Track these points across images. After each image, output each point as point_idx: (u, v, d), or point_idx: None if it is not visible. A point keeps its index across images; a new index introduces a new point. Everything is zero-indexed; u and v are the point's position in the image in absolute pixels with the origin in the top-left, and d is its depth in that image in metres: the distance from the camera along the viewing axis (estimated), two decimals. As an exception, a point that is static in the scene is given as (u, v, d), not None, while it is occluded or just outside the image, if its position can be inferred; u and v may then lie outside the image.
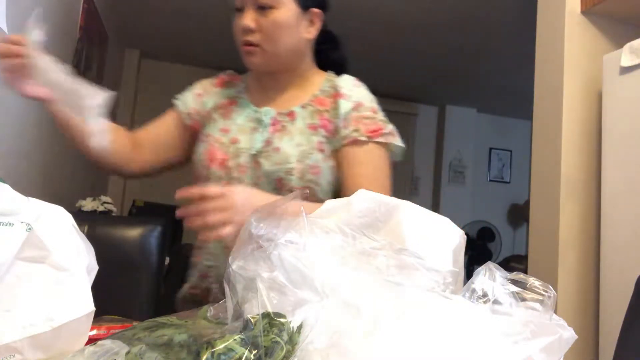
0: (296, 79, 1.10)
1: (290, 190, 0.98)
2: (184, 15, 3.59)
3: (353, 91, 1.06)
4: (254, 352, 0.42)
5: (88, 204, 2.53)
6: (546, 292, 0.52)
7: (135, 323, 0.56)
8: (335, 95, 1.05)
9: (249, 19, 0.99)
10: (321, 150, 1.01)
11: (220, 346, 0.42)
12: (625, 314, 1.02)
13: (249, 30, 1.00)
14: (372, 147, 1.01)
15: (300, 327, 0.47)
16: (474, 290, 0.53)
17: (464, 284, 0.56)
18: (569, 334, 0.48)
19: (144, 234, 1.00)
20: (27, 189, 0.63)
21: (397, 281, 0.56)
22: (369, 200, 0.71)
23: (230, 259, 0.58)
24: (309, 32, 1.06)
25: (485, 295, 0.52)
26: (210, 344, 0.42)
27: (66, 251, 0.55)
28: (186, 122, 1.12)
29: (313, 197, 1.00)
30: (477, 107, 5.29)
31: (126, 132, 1.11)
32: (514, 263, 4.38)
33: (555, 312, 0.51)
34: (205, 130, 1.09)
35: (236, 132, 1.05)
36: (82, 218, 0.80)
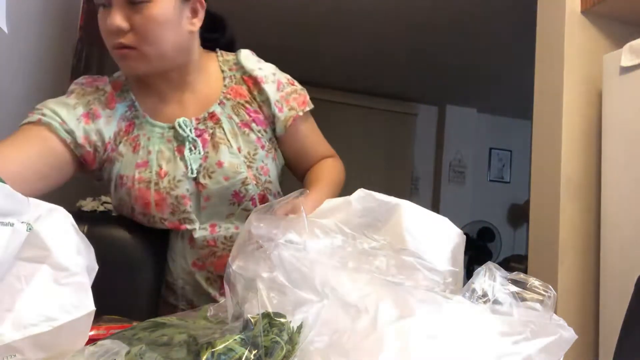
0: (192, 73, 0.95)
1: (250, 200, 0.95)
2: (184, 15, 3.59)
3: (264, 70, 0.99)
4: (254, 352, 0.42)
5: (88, 204, 2.53)
6: (546, 292, 0.52)
7: (135, 323, 0.57)
8: (248, 80, 0.98)
9: (118, 17, 0.81)
10: (262, 147, 0.96)
11: (220, 346, 0.42)
12: (625, 314, 1.02)
13: (120, 32, 0.82)
14: (306, 115, 1.03)
15: (300, 327, 0.47)
16: (474, 290, 0.53)
17: (464, 284, 0.56)
18: (569, 334, 0.48)
19: (144, 234, 0.99)
20: (27, 189, 0.62)
21: (397, 281, 0.56)
22: (368, 200, 0.71)
23: (230, 258, 0.58)
24: (193, 24, 0.91)
25: (485, 295, 0.52)
26: (210, 344, 0.42)
27: (66, 251, 0.55)
28: (76, 153, 0.88)
29: (273, 194, 0.99)
30: (477, 107, 5.29)
31: None
32: (514, 263, 4.38)
33: (555, 312, 0.51)
34: (114, 170, 0.91)
35: (159, 162, 0.90)
36: (82, 218, 0.79)
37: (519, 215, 5.32)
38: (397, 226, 0.66)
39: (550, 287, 0.52)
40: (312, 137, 1.05)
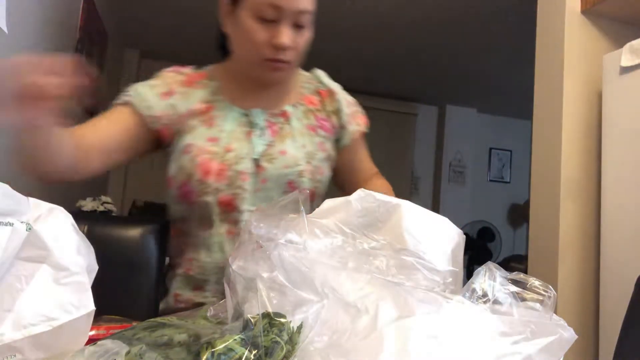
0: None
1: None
2: (184, 15, 3.59)
3: (336, 86, 1.11)
4: (254, 352, 0.42)
5: (88, 204, 2.53)
6: (546, 292, 0.52)
7: (135, 323, 0.57)
8: (322, 92, 1.09)
9: (287, 36, 0.92)
10: (323, 150, 1.04)
11: (220, 346, 0.42)
12: (625, 314, 1.02)
13: (285, 48, 0.93)
14: (363, 134, 1.15)
15: (300, 327, 0.47)
16: (474, 290, 0.53)
17: (464, 284, 0.56)
18: (569, 334, 0.48)
19: (144, 234, 0.99)
20: (27, 189, 0.62)
21: (397, 281, 0.56)
22: (368, 199, 0.71)
23: (230, 259, 0.58)
24: None
25: (485, 295, 0.52)
26: (210, 344, 0.42)
27: (66, 251, 0.55)
28: (153, 127, 0.99)
29: (318, 196, 1.04)
30: (477, 107, 5.29)
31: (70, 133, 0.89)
32: (514, 263, 4.38)
33: (555, 312, 0.51)
34: (182, 140, 0.99)
35: (228, 140, 0.98)
36: (82, 218, 0.79)
37: (519, 215, 5.32)
38: (397, 226, 0.66)
39: (550, 287, 0.52)
40: (365, 154, 1.18)
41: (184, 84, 1.02)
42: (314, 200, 1.01)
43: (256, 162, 0.98)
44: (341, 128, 1.09)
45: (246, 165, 0.97)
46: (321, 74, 1.12)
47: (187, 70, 1.06)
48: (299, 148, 1.00)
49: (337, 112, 1.08)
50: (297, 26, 0.94)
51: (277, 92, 1.05)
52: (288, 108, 1.04)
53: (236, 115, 1.01)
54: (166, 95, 1.00)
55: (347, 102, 1.10)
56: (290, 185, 0.99)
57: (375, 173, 1.19)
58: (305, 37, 0.96)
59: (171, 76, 1.03)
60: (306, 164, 0.99)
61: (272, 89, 1.05)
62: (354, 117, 1.11)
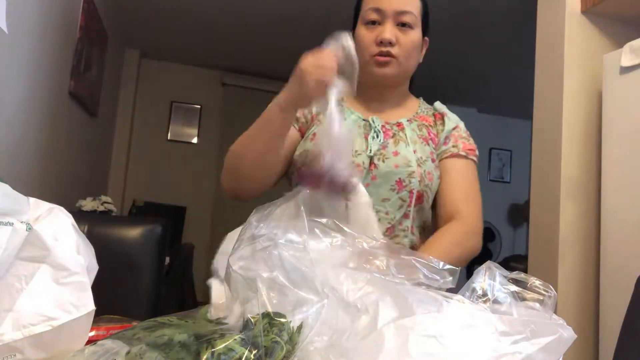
0: (396, 96, 1.15)
1: (409, 192, 1.03)
2: (184, 15, 3.59)
3: (450, 114, 1.18)
4: (254, 352, 0.42)
5: (88, 204, 2.53)
6: (546, 292, 0.52)
7: (135, 323, 0.57)
8: (436, 115, 1.17)
9: (390, 32, 1.03)
10: (432, 160, 1.09)
11: (220, 346, 0.42)
12: (625, 314, 1.02)
13: (389, 43, 1.03)
14: (468, 162, 1.12)
15: (300, 327, 0.47)
16: (474, 290, 0.53)
17: (464, 283, 0.56)
18: (569, 334, 0.48)
19: (144, 234, 0.99)
20: (27, 189, 0.63)
21: (397, 281, 0.56)
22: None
23: (230, 259, 0.58)
24: (420, 57, 1.15)
25: (485, 294, 0.52)
26: (210, 343, 0.42)
27: (66, 251, 0.55)
28: (295, 126, 1.10)
29: (426, 202, 1.07)
30: (477, 107, 5.29)
31: None
32: (514, 263, 4.38)
33: (555, 312, 0.51)
34: (310, 130, 1.10)
35: None
36: (82, 218, 0.80)
37: (519, 215, 5.32)
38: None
39: (551, 287, 0.52)
40: (462, 184, 1.10)
41: None
42: (422, 204, 1.06)
43: (370, 159, 1.05)
44: (439, 143, 1.13)
45: (362, 160, 1.05)
46: (438, 104, 1.20)
47: None
48: (411, 152, 1.06)
49: (443, 130, 1.13)
50: (402, 25, 1.04)
51: (393, 107, 1.14)
52: (403, 121, 1.12)
53: (356, 118, 1.11)
54: None
55: (454, 126, 1.14)
56: (399, 184, 1.04)
57: (460, 211, 1.06)
58: (411, 36, 1.06)
59: None
60: (417, 166, 1.04)
61: (389, 102, 1.14)
62: (455, 139, 1.13)
